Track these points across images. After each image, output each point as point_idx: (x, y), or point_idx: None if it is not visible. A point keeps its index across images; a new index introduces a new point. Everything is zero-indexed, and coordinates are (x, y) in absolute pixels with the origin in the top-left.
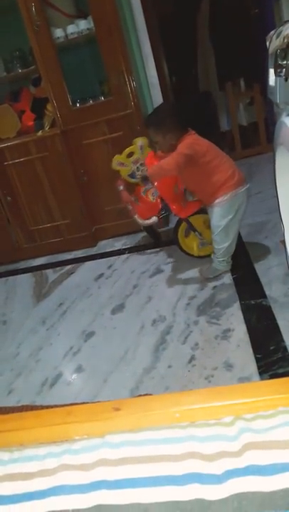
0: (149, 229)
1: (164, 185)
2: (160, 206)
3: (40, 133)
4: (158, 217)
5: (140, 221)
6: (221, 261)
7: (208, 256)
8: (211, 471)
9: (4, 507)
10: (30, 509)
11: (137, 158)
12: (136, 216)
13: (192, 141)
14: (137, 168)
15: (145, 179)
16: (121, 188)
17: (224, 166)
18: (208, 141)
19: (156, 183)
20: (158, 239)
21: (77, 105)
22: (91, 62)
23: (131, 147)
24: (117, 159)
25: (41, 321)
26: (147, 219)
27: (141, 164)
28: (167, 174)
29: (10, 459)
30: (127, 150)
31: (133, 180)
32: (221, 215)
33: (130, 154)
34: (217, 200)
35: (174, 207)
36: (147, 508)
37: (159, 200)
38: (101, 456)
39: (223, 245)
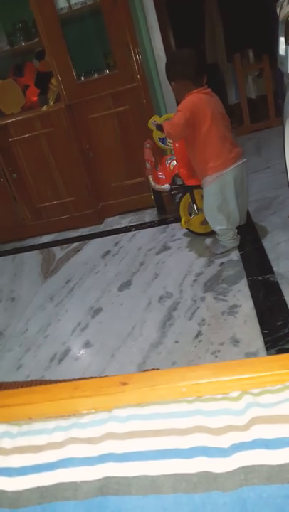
0: (158, 196)
1: (181, 147)
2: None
3: (44, 108)
4: (170, 186)
5: (153, 183)
6: (223, 239)
7: (211, 233)
8: (217, 444)
9: (13, 479)
10: (39, 481)
11: None
12: (150, 177)
13: (193, 103)
14: None
15: (159, 128)
16: (147, 145)
17: (215, 142)
18: (213, 106)
19: (172, 143)
20: (163, 211)
21: (82, 79)
22: (95, 34)
23: (170, 114)
24: (154, 119)
25: (49, 298)
26: (160, 184)
27: None
28: (174, 134)
29: (19, 432)
30: (167, 115)
31: (161, 145)
32: (207, 197)
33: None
34: (206, 178)
35: (184, 171)
36: (154, 480)
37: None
38: (108, 430)
39: (216, 227)
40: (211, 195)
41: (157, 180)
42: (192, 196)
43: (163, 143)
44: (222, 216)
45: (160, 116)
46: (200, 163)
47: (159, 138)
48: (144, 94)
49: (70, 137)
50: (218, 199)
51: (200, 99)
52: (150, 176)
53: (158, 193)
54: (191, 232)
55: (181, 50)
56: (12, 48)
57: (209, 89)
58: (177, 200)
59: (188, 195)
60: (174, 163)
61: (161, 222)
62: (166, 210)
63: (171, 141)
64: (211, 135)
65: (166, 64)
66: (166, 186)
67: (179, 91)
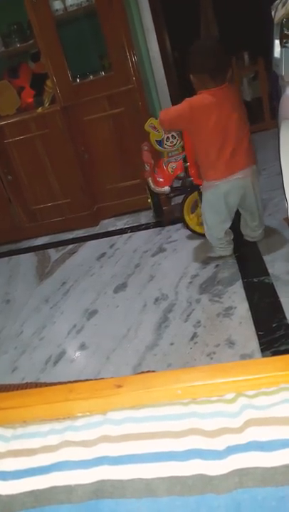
0: (156, 199)
1: (192, 147)
2: (179, 172)
3: (40, 110)
4: (170, 188)
5: (152, 186)
6: (213, 245)
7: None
8: (212, 447)
9: (7, 482)
10: (33, 484)
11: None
12: (149, 179)
13: (200, 104)
14: (167, 138)
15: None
16: (145, 148)
17: (212, 151)
18: (222, 112)
19: (184, 143)
20: (160, 213)
21: (78, 81)
22: (91, 36)
23: None
24: (151, 122)
25: (44, 300)
26: (160, 187)
27: (172, 136)
28: (168, 121)
29: (13, 435)
30: None
31: (158, 148)
32: (203, 201)
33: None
34: (204, 182)
35: (193, 171)
36: (149, 483)
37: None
38: (103, 433)
39: (206, 231)
40: (205, 200)
41: (157, 183)
42: (200, 195)
43: (160, 145)
44: (213, 223)
45: (156, 119)
46: (201, 166)
47: (156, 140)
48: (139, 96)
49: (66, 139)
50: (211, 206)
51: (209, 102)
52: (150, 178)
53: (156, 196)
54: (187, 234)
55: (204, 41)
56: (7, 50)
57: (229, 87)
58: (173, 203)
59: (194, 194)
60: (174, 165)
61: (157, 224)
62: (164, 213)
63: (168, 144)
64: (211, 143)
65: (188, 55)
66: (167, 188)
67: (197, 85)
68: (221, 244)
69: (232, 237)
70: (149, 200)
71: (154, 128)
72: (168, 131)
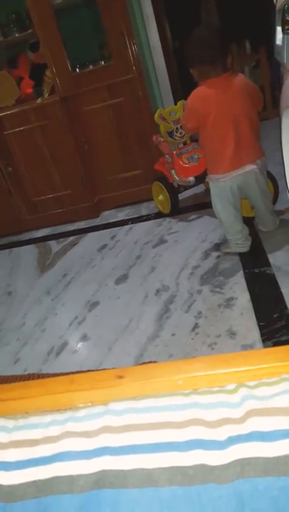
0: (175, 192)
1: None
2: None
3: (39, 100)
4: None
5: (177, 177)
6: (229, 240)
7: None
8: (214, 437)
9: (10, 472)
10: (35, 475)
11: (178, 118)
12: (173, 171)
13: (197, 100)
14: (176, 128)
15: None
16: (161, 139)
17: (214, 144)
18: (222, 103)
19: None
20: (177, 206)
21: (77, 70)
22: (90, 25)
23: (174, 106)
24: (160, 112)
25: (46, 292)
26: (185, 177)
27: (181, 127)
28: (187, 127)
29: (15, 426)
30: (170, 108)
31: (170, 139)
32: (211, 194)
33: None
34: (209, 176)
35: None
36: (150, 473)
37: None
38: (104, 424)
39: (222, 225)
40: (212, 194)
41: (183, 173)
42: None
43: (171, 137)
44: (224, 216)
45: (164, 108)
46: (206, 159)
47: (168, 132)
48: (140, 85)
49: (66, 130)
50: (216, 201)
51: (206, 94)
52: (173, 170)
53: (173, 190)
54: (187, 226)
55: (198, 32)
56: (5, 39)
57: (231, 76)
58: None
59: None
60: (188, 155)
61: (158, 215)
62: (178, 203)
63: (178, 135)
64: (211, 136)
65: (184, 47)
66: (192, 179)
67: (197, 77)
68: (238, 239)
69: (248, 232)
70: (160, 197)
71: (164, 119)
72: (180, 126)
